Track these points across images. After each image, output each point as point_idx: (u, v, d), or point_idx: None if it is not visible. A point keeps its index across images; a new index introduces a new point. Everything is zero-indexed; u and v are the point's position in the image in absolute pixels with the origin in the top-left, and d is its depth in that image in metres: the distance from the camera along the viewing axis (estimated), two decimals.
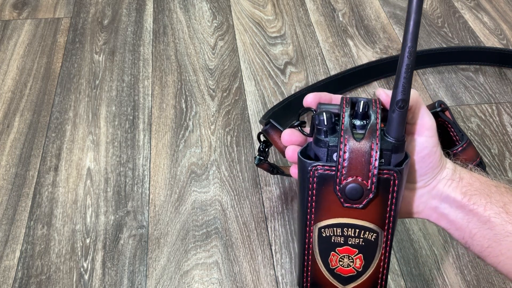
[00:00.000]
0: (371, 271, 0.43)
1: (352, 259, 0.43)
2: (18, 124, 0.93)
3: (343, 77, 1.00)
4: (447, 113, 0.54)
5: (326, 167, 0.41)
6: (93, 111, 0.95)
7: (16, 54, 1.08)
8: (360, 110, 0.42)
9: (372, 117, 0.41)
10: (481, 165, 0.53)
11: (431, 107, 0.52)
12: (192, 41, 1.11)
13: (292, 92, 0.98)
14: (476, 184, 0.45)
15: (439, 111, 0.53)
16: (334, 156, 0.41)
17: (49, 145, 0.89)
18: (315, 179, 0.41)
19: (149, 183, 0.83)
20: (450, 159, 0.47)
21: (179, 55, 1.07)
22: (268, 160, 0.80)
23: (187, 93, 0.99)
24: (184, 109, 0.95)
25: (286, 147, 0.46)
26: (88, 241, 0.75)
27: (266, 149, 0.74)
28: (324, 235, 0.43)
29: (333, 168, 0.41)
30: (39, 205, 0.80)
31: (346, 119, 0.41)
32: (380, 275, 0.44)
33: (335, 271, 0.44)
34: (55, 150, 0.88)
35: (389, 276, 0.71)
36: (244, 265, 0.72)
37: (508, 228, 0.43)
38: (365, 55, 1.07)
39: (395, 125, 0.40)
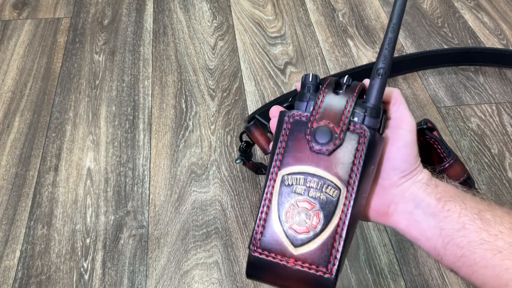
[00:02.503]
0: (326, 235, 0.40)
1: (310, 215, 0.41)
2: (18, 124, 0.93)
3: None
4: (435, 133, 0.54)
5: (302, 115, 0.43)
6: (93, 111, 0.95)
7: (16, 54, 1.08)
8: (344, 81, 0.45)
9: (353, 85, 0.44)
10: (469, 181, 0.53)
11: (417, 125, 0.52)
12: (192, 41, 1.11)
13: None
14: (451, 191, 0.44)
15: (425, 128, 0.53)
16: (311, 106, 0.44)
17: (49, 145, 0.89)
18: (289, 125, 0.43)
19: (149, 183, 0.83)
20: (435, 175, 0.47)
21: (179, 55, 1.07)
22: (252, 160, 0.80)
23: (187, 93, 0.99)
24: (184, 109, 0.95)
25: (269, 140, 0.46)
26: (88, 241, 0.75)
27: (248, 150, 0.74)
28: (286, 183, 0.42)
29: (308, 115, 0.43)
30: (39, 205, 0.80)
31: (330, 81, 0.45)
32: (334, 247, 0.40)
33: (288, 226, 0.41)
34: (55, 150, 0.88)
35: (389, 276, 0.71)
36: (244, 265, 0.72)
37: (482, 235, 0.42)
38: (365, 55, 1.07)
39: (373, 91, 0.43)
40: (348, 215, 0.40)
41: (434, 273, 0.72)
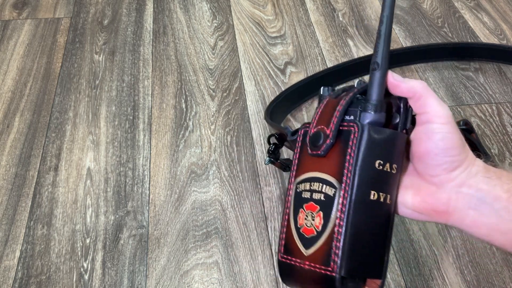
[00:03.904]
0: (326, 234, 0.40)
1: (314, 216, 0.41)
2: (18, 124, 0.93)
3: (339, 70, 1.01)
4: (473, 135, 0.52)
5: (307, 125, 0.45)
6: (93, 111, 0.95)
7: (16, 54, 1.08)
8: (355, 85, 0.45)
9: (356, 86, 0.45)
10: None
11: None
12: (192, 41, 1.11)
13: None
14: None
15: (463, 129, 0.51)
16: None
17: (49, 145, 0.89)
18: (300, 137, 0.45)
19: (149, 183, 0.83)
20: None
21: (179, 55, 1.07)
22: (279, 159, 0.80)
23: (187, 93, 0.99)
24: (184, 109, 0.95)
25: None
26: (88, 241, 0.75)
27: (276, 151, 0.75)
28: (298, 190, 0.44)
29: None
30: (39, 205, 0.80)
31: (338, 89, 0.45)
32: (334, 245, 0.40)
33: (300, 230, 0.42)
34: (55, 150, 0.88)
35: (388, 276, 0.71)
36: (244, 265, 0.72)
37: None
38: (365, 55, 1.07)
39: (371, 86, 0.42)
40: (346, 212, 0.40)
41: (434, 273, 0.72)
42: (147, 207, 0.79)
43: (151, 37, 1.12)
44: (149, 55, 1.07)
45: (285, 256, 0.43)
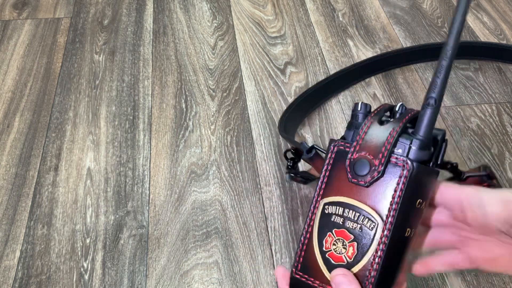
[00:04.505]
0: (360, 267, 0.41)
1: (346, 245, 0.41)
2: (18, 124, 0.93)
3: (341, 76, 1.01)
4: (494, 181, 0.51)
5: (346, 144, 0.43)
6: (93, 111, 0.95)
7: (16, 54, 1.08)
8: (397, 109, 0.43)
9: (405, 113, 0.43)
10: None
11: (475, 171, 0.50)
12: (192, 41, 1.11)
13: (292, 93, 0.99)
14: None
15: (483, 175, 0.50)
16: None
17: (49, 145, 0.89)
18: (333, 154, 0.43)
19: (149, 183, 0.83)
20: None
21: (179, 55, 1.07)
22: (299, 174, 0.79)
23: (187, 93, 0.99)
24: (184, 109, 0.95)
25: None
26: (88, 241, 0.75)
27: (295, 165, 0.73)
28: (326, 211, 0.43)
29: (350, 146, 0.43)
30: (39, 205, 0.80)
31: (380, 110, 0.44)
32: (368, 280, 0.40)
33: (326, 254, 0.42)
34: (55, 150, 0.88)
35: None
36: (244, 265, 0.73)
37: None
38: (365, 55, 1.07)
39: (422, 122, 0.41)
40: (385, 249, 0.40)
41: (434, 273, 0.72)
42: (147, 207, 0.80)
43: (151, 37, 1.12)
44: (149, 55, 1.07)
45: (300, 274, 0.43)
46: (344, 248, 0.41)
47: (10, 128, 0.92)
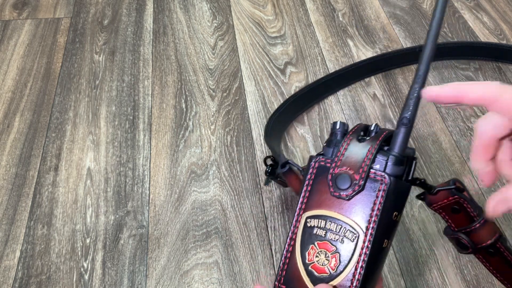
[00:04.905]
0: (342, 277, 0.42)
1: (329, 257, 0.43)
2: (18, 124, 0.93)
3: (341, 75, 1.01)
4: (465, 193, 0.52)
5: (327, 160, 0.45)
6: (93, 111, 0.95)
7: (16, 54, 1.08)
8: (372, 128, 0.46)
9: (379, 132, 0.46)
10: (501, 239, 0.52)
11: (445, 185, 0.51)
12: (192, 41, 1.11)
13: (292, 92, 0.99)
14: None
15: (453, 188, 0.51)
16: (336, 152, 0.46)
17: (49, 145, 0.89)
18: (314, 170, 0.45)
19: (149, 183, 0.83)
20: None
21: (179, 55, 1.07)
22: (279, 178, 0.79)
23: (187, 93, 0.99)
24: (184, 109, 0.95)
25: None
26: (88, 241, 0.75)
27: (274, 171, 0.75)
28: (309, 225, 0.44)
29: (331, 161, 0.45)
30: (39, 205, 0.80)
31: (357, 128, 0.47)
32: None
33: (309, 266, 0.43)
34: (55, 150, 0.88)
35: (388, 276, 0.71)
36: (244, 265, 0.73)
37: None
38: (365, 55, 1.07)
39: (397, 140, 0.44)
40: (366, 260, 0.42)
41: (434, 273, 0.72)
42: (147, 207, 0.80)
43: (151, 37, 1.12)
44: (149, 55, 1.07)
45: (283, 287, 0.45)
46: (326, 259, 0.43)
47: (10, 128, 0.92)
